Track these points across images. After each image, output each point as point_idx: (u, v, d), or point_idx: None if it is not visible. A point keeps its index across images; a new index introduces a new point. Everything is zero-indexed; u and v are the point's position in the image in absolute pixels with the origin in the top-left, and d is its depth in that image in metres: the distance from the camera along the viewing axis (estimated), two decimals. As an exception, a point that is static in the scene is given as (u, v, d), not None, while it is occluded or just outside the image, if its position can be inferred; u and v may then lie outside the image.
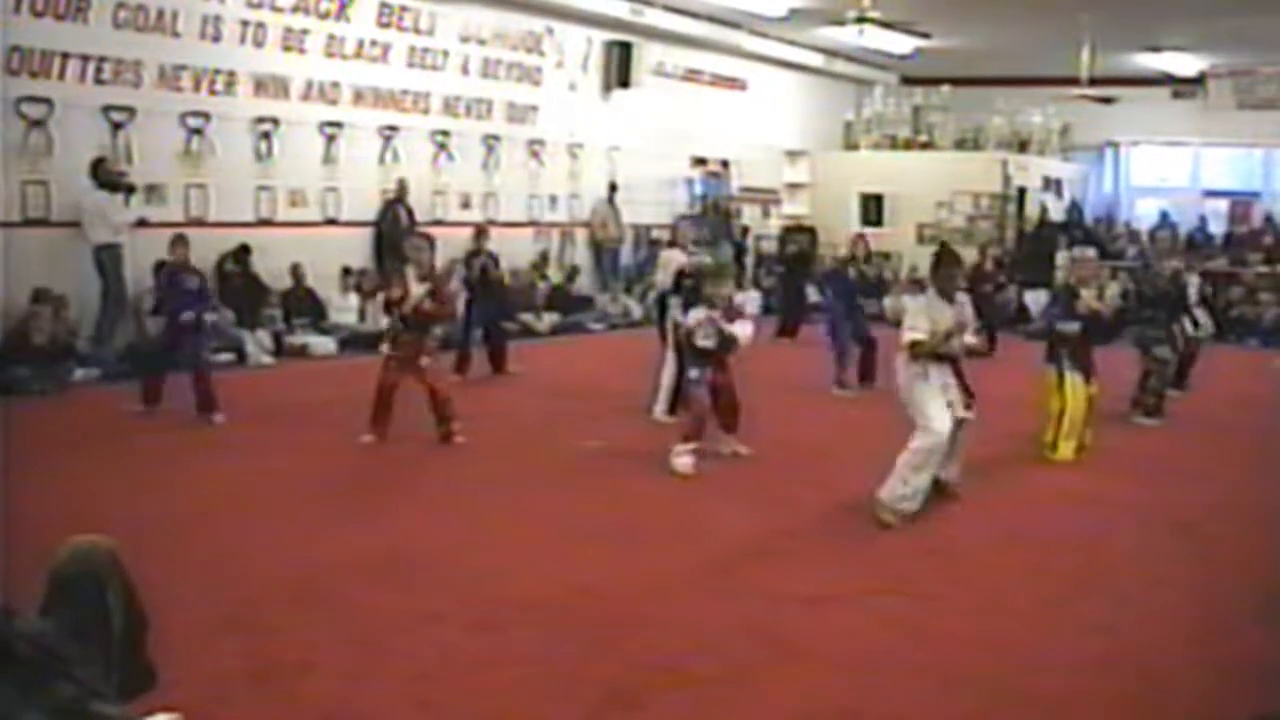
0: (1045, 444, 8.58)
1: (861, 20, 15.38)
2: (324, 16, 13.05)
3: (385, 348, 8.48)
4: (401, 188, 13.76)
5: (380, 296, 9.43)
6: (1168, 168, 22.22)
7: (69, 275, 10.71)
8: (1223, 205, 20.96)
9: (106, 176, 10.88)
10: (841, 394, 10.94)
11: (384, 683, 4.39)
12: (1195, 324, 11.28)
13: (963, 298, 7.16)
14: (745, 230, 19.19)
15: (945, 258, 7.15)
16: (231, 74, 12.20)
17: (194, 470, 7.54)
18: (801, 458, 8.45)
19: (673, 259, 9.72)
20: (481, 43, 14.96)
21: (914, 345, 6.76)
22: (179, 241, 9.30)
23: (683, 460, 7.74)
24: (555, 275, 15.95)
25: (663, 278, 9.90)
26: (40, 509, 5.83)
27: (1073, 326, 8.53)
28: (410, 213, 13.76)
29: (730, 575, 5.80)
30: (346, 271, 13.44)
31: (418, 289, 8.22)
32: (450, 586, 5.45)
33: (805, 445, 8.87)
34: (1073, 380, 8.52)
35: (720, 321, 7.92)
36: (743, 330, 8.05)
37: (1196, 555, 6.48)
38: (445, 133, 14.65)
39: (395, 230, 13.11)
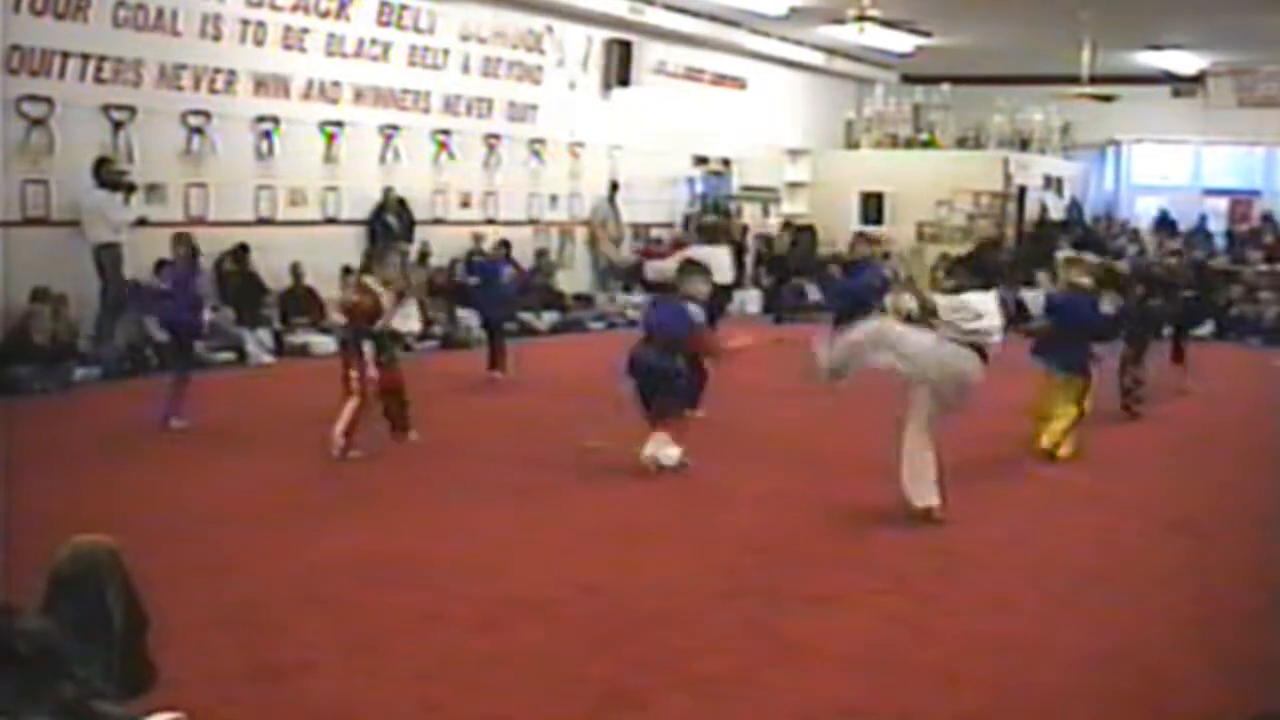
0: (1034, 440, 8.54)
1: (862, 19, 15.37)
2: (324, 15, 13.02)
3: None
4: (386, 197, 13.65)
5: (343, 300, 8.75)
6: (1168, 166, 22.23)
7: (69, 274, 10.67)
8: (1223, 204, 20.98)
9: (109, 176, 10.86)
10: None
11: (384, 682, 4.40)
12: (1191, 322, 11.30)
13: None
14: (745, 229, 19.17)
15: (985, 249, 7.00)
16: (232, 73, 12.17)
17: (194, 470, 7.53)
18: (800, 457, 8.44)
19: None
20: (482, 41, 14.93)
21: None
22: (180, 240, 9.04)
23: (666, 452, 7.65)
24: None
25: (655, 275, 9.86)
26: (41, 509, 5.82)
27: (1041, 322, 8.55)
28: (402, 217, 13.70)
29: (731, 574, 5.79)
30: (347, 271, 13.39)
31: (387, 300, 8.00)
32: (450, 586, 5.45)
33: (804, 445, 8.86)
34: (1063, 378, 8.49)
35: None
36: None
37: (1197, 554, 6.48)
38: (446, 131, 14.64)
39: (387, 238, 13.08)
